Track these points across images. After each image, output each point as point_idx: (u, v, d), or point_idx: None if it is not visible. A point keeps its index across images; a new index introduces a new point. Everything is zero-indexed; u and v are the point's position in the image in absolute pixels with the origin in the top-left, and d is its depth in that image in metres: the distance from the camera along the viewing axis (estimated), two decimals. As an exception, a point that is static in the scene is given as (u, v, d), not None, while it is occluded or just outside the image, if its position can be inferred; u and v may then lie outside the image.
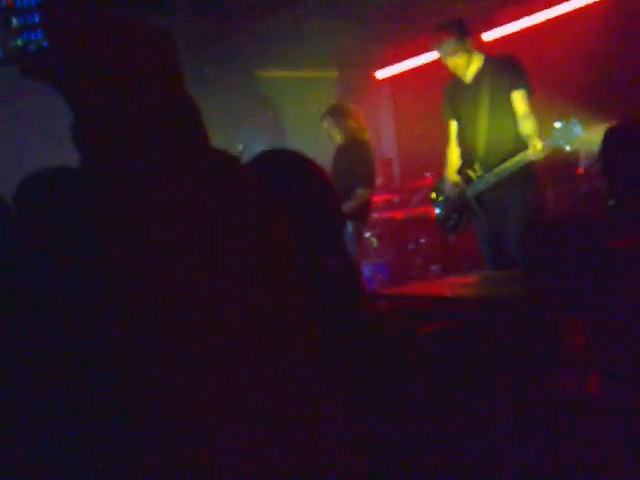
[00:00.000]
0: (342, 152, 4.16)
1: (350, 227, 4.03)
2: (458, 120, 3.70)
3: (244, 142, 4.38)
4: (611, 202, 2.59)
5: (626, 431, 1.84)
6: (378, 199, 5.93)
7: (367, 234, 5.55)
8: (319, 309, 1.08)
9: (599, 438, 1.92)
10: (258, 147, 6.52)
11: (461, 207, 3.71)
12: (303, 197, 1.12)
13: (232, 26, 5.86)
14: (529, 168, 3.40)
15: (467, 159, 3.63)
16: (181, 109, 0.73)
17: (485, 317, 2.66)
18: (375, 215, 5.73)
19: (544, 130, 3.38)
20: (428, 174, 5.84)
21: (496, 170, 3.45)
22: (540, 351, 2.51)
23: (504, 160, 3.42)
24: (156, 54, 0.72)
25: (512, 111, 3.42)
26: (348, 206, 4.00)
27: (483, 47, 3.95)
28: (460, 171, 3.66)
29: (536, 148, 3.30)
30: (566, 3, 4.89)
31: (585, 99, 3.83)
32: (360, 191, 4.03)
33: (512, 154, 3.40)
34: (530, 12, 5.13)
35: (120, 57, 0.68)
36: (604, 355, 2.43)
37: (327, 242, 1.14)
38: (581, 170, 4.52)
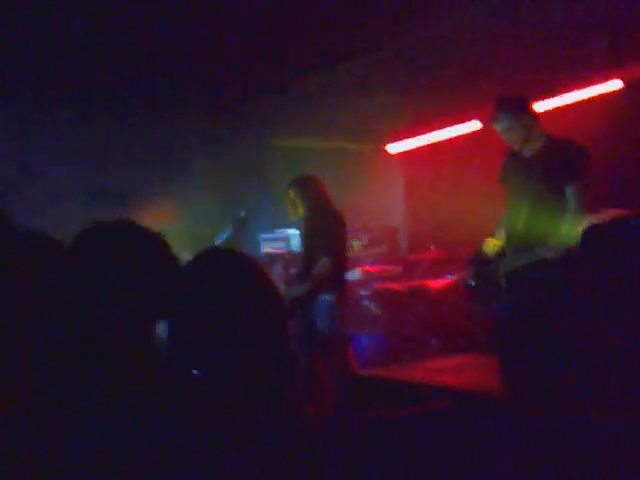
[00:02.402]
0: (308, 222, 4.24)
1: (328, 298, 4.09)
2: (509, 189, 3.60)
3: (248, 209, 4.50)
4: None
5: None
6: (381, 268, 6.01)
7: (366, 302, 5.62)
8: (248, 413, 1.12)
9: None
10: (263, 215, 6.68)
11: (492, 280, 3.59)
12: (239, 298, 1.16)
13: (251, 95, 6.13)
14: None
15: (509, 233, 3.54)
16: None
17: (450, 406, 2.69)
18: (377, 284, 5.81)
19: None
20: (432, 247, 5.92)
21: (531, 252, 3.35)
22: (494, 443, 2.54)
23: (534, 246, 3.32)
24: None
25: (559, 200, 3.31)
26: (313, 276, 4.10)
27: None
28: (502, 244, 3.57)
29: (549, 247, 3.22)
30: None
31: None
32: (323, 260, 4.09)
33: (540, 244, 3.29)
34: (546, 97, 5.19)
35: None
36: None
37: (267, 342, 1.13)
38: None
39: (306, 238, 4.28)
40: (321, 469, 1.13)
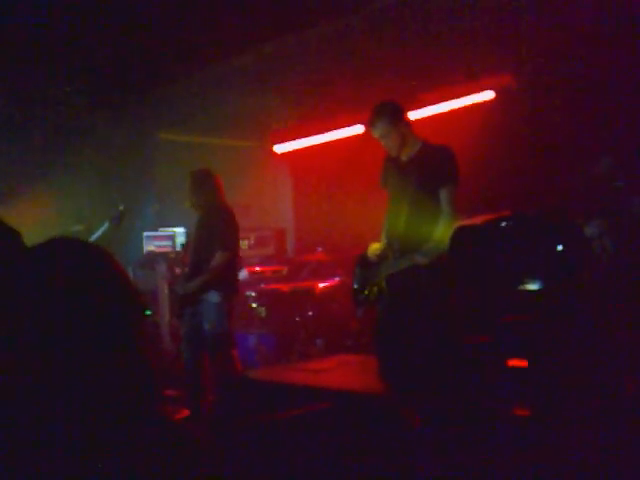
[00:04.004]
0: (202, 217, 4.17)
1: (215, 297, 4.00)
2: (389, 193, 3.65)
3: (126, 203, 4.29)
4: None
5: None
6: (268, 269, 5.98)
7: (252, 303, 5.56)
8: (100, 412, 1.03)
9: None
10: (147, 212, 6.46)
11: (374, 283, 3.61)
12: (90, 290, 1.07)
13: (137, 88, 5.90)
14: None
15: (391, 236, 3.55)
16: None
17: (333, 406, 2.69)
18: (263, 285, 5.77)
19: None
20: (319, 249, 5.95)
21: (407, 257, 3.37)
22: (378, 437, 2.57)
23: (413, 250, 3.33)
24: None
25: (435, 204, 3.37)
26: (208, 271, 4.00)
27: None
28: (384, 248, 3.57)
29: (423, 253, 3.26)
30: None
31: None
32: (219, 254, 4.02)
33: (418, 248, 3.30)
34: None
35: None
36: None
37: (115, 338, 1.08)
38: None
39: (198, 232, 4.17)
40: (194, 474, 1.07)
